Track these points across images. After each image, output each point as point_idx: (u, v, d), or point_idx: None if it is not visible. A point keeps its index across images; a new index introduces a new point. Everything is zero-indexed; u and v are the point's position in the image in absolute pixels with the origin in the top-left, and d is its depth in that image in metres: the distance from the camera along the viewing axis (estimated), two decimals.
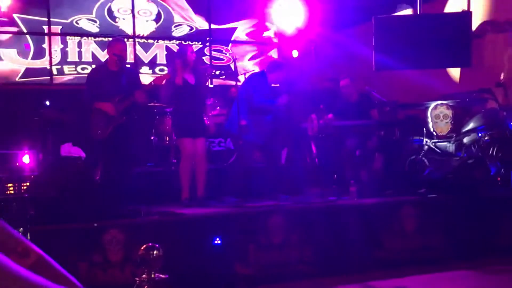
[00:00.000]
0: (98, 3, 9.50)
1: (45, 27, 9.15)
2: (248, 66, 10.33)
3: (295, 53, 10.09)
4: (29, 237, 4.45)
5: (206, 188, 6.58)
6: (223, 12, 10.29)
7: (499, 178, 7.30)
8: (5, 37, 8.92)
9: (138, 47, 9.71)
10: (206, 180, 6.58)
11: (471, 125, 7.81)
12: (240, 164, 7.20)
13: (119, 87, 6.18)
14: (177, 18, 10.08)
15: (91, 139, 6.38)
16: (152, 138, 8.10)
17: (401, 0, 9.57)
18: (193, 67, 6.58)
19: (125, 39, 9.56)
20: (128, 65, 6.48)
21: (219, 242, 5.50)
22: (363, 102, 7.53)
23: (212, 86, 7.17)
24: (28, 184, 6.79)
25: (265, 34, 10.70)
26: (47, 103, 8.04)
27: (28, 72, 9.05)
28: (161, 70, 9.87)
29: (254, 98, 6.79)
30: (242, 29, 10.56)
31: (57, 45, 9.23)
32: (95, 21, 9.45)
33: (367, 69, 9.13)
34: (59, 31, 9.25)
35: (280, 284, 5.53)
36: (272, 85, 7.09)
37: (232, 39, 10.51)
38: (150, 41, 9.86)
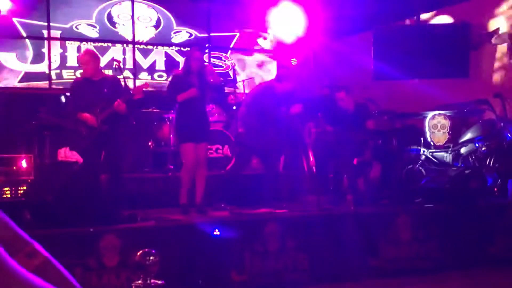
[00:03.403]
0: (98, 9, 9.51)
1: (45, 32, 9.16)
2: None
3: (293, 61, 10.11)
4: None
5: (203, 194, 6.56)
6: (223, 20, 10.32)
7: (496, 189, 7.32)
8: (4, 41, 8.93)
9: (137, 53, 9.73)
10: (205, 187, 6.56)
11: (468, 136, 7.83)
12: (238, 171, 7.21)
13: (101, 96, 6.24)
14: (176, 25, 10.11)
15: (77, 147, 6.52)
16: (149, 143, 8.10)
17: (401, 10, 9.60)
18: (198, 72, 6.51)
19: (124, 45, 9.61)
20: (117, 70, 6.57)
21: (216, 247, 5.49)
22: (360, 112, 7.53)
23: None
24: (24, 188, 6.79)
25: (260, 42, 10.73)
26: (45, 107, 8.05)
27: (27, 76, 9.05)
28: (160, 76, 9.88)
29: (265, 108, 6.77)
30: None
31: (56, 50, 9.24)
32: (95, 26, 9.47)
33: (365, 78, 9.16)
34: (59, 36, 9.26)
35: None
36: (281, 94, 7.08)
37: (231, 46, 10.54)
38: (150, 47, 9.88)
